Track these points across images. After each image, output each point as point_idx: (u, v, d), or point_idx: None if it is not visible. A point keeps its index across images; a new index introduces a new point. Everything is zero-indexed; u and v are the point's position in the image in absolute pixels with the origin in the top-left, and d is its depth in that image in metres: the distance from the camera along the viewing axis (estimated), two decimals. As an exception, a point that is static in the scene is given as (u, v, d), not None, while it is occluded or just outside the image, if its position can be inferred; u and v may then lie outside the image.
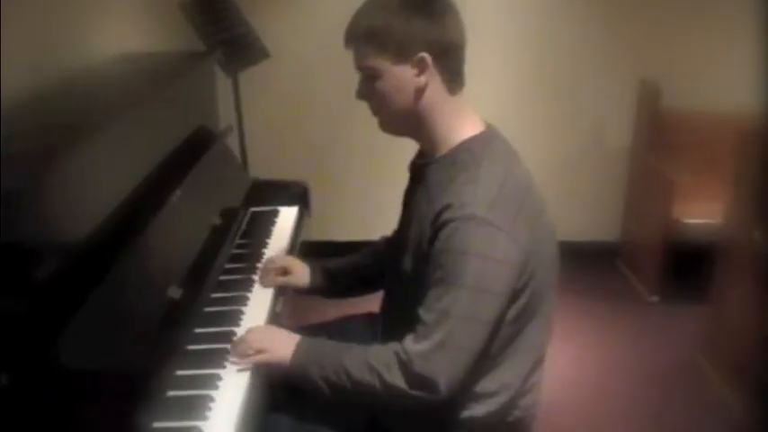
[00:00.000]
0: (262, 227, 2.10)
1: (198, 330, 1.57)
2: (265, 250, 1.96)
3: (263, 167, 3.02)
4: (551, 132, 3.49)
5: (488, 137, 1.40)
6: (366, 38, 1.35)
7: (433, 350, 1.28)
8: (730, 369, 2.61)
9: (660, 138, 3.29)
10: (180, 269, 1.64)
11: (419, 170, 1.47)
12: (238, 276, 1.81)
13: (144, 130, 1.74)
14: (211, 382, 1.41)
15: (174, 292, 1.54)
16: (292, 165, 3.21)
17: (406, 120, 1.40)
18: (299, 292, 1.81)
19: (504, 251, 1.28)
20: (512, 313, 1.34)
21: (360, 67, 1.38)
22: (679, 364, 2.83)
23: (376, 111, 1.42)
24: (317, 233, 3.39)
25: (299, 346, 1.42)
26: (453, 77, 1.38)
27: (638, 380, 2.75)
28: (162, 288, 1.53)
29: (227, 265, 1.87)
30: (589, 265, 3.48)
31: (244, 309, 1.67)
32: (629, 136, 3.49)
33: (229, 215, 2.03)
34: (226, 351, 1.49)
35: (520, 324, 1.38)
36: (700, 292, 2.80)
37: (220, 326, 1.59)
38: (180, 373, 1.43)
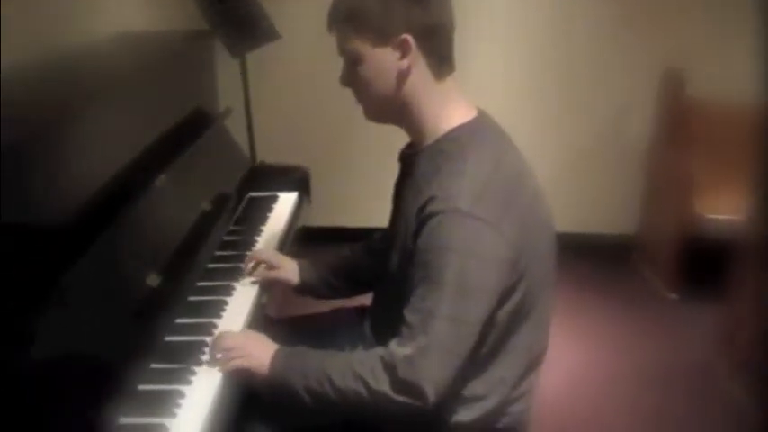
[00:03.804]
0: (257, 213, 2.04)
1: (178, 321, 1.52)
2: (258, 238, 1.90)
3: (271, 151, 2.95)
4: (569, 120, 3.38)
5: (477, 124, 1.31)
6: (346, 20, 1.27)
7: (419, 354, 1.19)
8: (747, 372, 2.50)
9: (683, 129, 3.16)
10: (162, 256, 1.58)
11: (407, 160, 1.39)
12: (227, 265, 1.76)
13: (132, 110, 1.68)
14: (184, 376, 1.34)
15: (153, 280, 1.48)
16: (301, 149, 3.11)
17: (389, 107, 1.32)
18: (288, 289, 1.73)
19: (492, 247, 1.19)
20: (502, 313, 1.26)
21: (341, 52, 1.31)
22: (695, 366, 2.71)
23: (359, 98, 1.34)
24: (326, 219, 3.34)
25: (277, 353, 1.34)
26: (440, 61, 1.29)
27: (651, 381, 2.64)
28: (141, 275, 1.47)
29: (218, 252, 1.81)
30: (604, 258, 3.39)
31: (228, 299, 1.61)
32: (650, 126, 3.36)
33: (223, 200, 1.97)
34: (204, 344, 1.43)
35: (512, 325, 1.30)
36: (720, 290, 2.68)
37: (201, 317, 1.53)
38: (154, 366, 1.37)
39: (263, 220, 2.00)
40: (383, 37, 1.25)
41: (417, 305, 1.21)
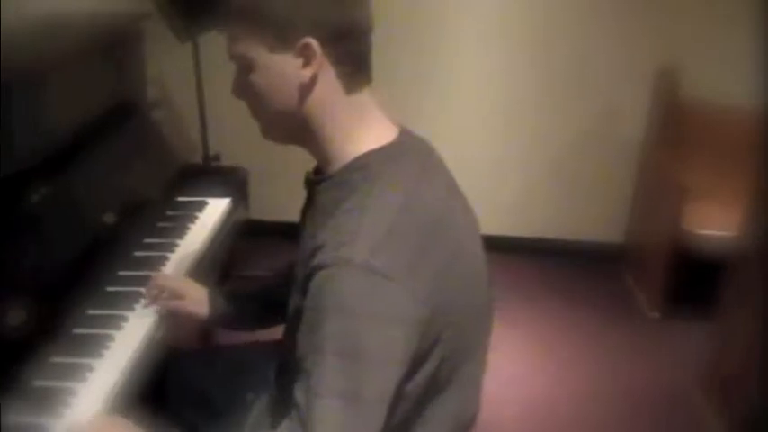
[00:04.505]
0: (177, 222, 1.79)
1: (53, 359, 1.30)
2: (171, 254, 1.66)
3: (228, 147, 2.72)
4: (555, 121, 3.12)
5: (394, 150, 1.07)
6: (236, 17, 1.02)
7: None
8: (728, 406, 2.27)
9: (676, 133, 2.91)
10: (45, 276, 1.37)
11: (311, 189, 1.15)
12: (125, 288, 1.52)
13: (41, 98, 1.50)
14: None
15: (20, 314, 1.26)
16: (262, 146, 2.89)
17: (289, 125, 1.09)
18: (196, 322, 1.48)
19: (393, 307, 0.95)
20: (413, 385, 1.03)
21: (231, 56, 1.06)
22: (672, 393, 2.49)
23: (252, 112, 1.10)
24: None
25: None
26: (352, 71, 1.05)
27: (623, 407, 2.43)
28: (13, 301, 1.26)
29: (120, 272, 1.57)
30: (587, 267, 3.18)
31: (114, 333, 1.37)
32: (641, 129, 3.10)
33: (137, 206, 1.73)
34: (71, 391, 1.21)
35: (428, 395, 1.07)
36: (705, 312, 2.45)
37: (78, 356, 1.31)
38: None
39: (182, 231, 1.75)
40: (282, 40, 1.01)
41: (303, 381, 0.97)
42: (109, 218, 1.61)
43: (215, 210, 1.89)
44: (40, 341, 1.30)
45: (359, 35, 1.03)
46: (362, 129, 1.08)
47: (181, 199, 1.91)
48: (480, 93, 3.09)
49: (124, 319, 1.41)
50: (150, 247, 1.67)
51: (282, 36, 1.00)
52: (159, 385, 1.45)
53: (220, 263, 1.89)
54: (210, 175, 2.06)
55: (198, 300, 1.45)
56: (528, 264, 3.17)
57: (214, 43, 2.61)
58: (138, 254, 1.64)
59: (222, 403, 1.43)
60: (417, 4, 2.91)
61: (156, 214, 1.81)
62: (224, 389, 1.44)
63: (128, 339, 1.36)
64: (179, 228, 1.76)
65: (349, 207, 1.01)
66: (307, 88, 1.03)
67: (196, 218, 1.83)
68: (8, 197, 1.36)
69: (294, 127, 1.08)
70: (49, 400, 1.19)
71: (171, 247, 1.67)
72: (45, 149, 1.50)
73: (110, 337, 1.35)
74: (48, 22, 1.86)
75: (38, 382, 1.23)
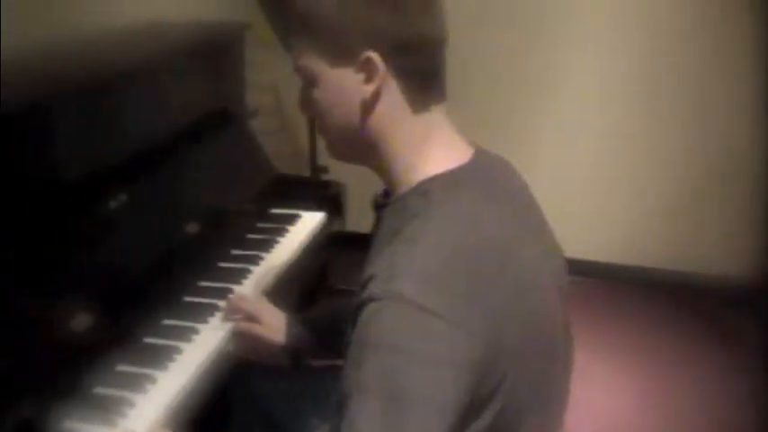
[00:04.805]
0: (266, 236, 1.76)
1: (118, 368, 1.29)
2: (255, 268, 1.62)
3: (335, 161, 2.68)
4: (681, 152, 2.88)
5: (462, 175, 0.97)
6: (295, 28, 0.96)
7: None
8: None
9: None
10: (122, 289, 1.38)
11: (379, 211, 1.07)
12: (203, 300, 1.50)
13: (138, 103, 1.55)
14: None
15: (85, 320, 1.26)
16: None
17: (352, 143, 1.01)
18: (270, 347, 1.38)
19: (443, 347, 0.85)
20: None
21: (295, 68, 1.00)
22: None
23: (318, 128, 1.04)
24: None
25: None
26: (420, 88, 0.96)
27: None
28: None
29: (202, 283, 1.56)
30: (710, 305, 2.90)
31: (183, 346, 1.35)
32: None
33: (226, 218, 1.72)
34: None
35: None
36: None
37: (146, 367, 1.30)
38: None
39: (270, 244, 1.72)
40: (342, 53, 0.93)
41: (346, 419, 0.89)
42: (192, 227, 1.61)
43: (307, 224, 1.85)
44: (110, 348, 1.30)
45: (427, 48, 0.94)
46: (430, 150, 0.99)
47: (274, 211, 1.89)
48: (589, 119, 2.92)
49: (196, 331, 1.39)
50: (236, 258, 1.65)
51: (342, 49, 0.93)
52: (225, 399, 1.42)
53: (309, 278, 1.86)
54: (307, 187, 2.03)
55: (274, 327, 1.39)
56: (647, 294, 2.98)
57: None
58: (222, 265, 1.63)
59: (287, 425, 1.38)
60: (526, 59, 2.82)
61: (248, 225, 1.80)
62: (290, 410, 1.39)
63: (196, 353, 1.34)
64: (267, 240, 1.73)
65: (405, 237, 0.92)
66: (369, 105, 0.95)
67: (286, 231, 1.79)
68: (88, 201, 1.39)
69: (358, 146, 1.01)
70: (106, 409, 1.18)
71: (255, 260, 1.64)
72: (130, 153, 1.52)
73: (178, 350, 1.33)
74: (148, 28, 1.91)
75: (98, 390, 1.23)
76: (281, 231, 1.79)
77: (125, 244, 1.45)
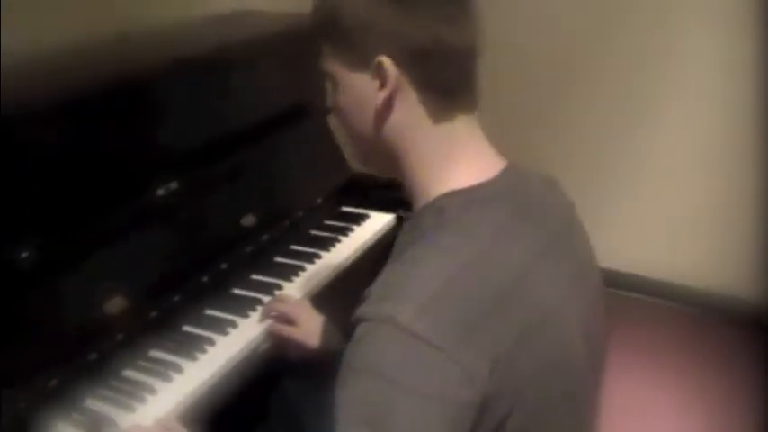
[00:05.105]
0: (330, 234, 1.74)
1: (151, 353, 1.31)
2: (309, 266, 1.59)
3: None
4: None
5: (485, 192, 0.89)
6: (317, 30, 0.93)
7: None
8: None
9: None
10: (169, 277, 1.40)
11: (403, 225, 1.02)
12: (249, 293, 1.49)
13: (217, 92, 1.59)
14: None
15: (119, 304, 1.28)
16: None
17: (374, 152, 0.96)
18: (305, 351, 1.36)
19: (433, 381, 0.77)
20: None
21: (322, 71, 0.96)
22: None
23: (345, 134, 1.00)
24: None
25: None
26: (441, 98, 0.89)
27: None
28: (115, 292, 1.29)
29: (254, 276, 1.56)
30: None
31: (217, 338, 1.35)
32: None
33: (293, 213, 1.71)
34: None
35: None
36: None
37: (176, 355, 1.30)
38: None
39: (330, 243, 1.70)
40: (358, 57, 0.89)
41: None
42: (257, 219, 1.61)
43: (374, 224, 1.80)
44: (149, 332, 1.32)
45: (449, 57, 0.87)
46: (453, 164, 0.91)
47: (344, 209, 1.86)
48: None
49: (233, 324, 1.38)
50: (293, 254, 1.64)
51: (357, 53, 0.88)
52: (257, 401, 1.40)
53: (365, 280, 1.81)
54: (382, 188, 1.98)
55: (310, 331, 1.36)
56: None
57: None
58: (278, 259, 1.62)
59: (314, 432, 1.34)
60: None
61: (314, 222, 1.78)
62: (320, 421, 1.36)
63: (228, 347, 1.33)
64: (329, 239, 1.71)
65: (408, 256, 0.86)
66: (383, 113, 0.89)
67: (351, 230, 1.76)
68: (152, 184, 1.41)
69: (379, 155, 0.95)
70: (128, 392, 1.20)
71: (311, 258, 1.62)
72: (207, 141, 1.55)
73: (211, 341, 1.33)
74: (232, 17, 1.93)
75: (126, 372, 1.25)
76: (345, 231, 1.75)
77: (185, 230, 1.47)
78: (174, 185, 1.42)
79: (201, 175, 1.51)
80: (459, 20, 0.87)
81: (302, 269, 1.58)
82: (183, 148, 1.50)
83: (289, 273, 1.56)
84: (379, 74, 0.87)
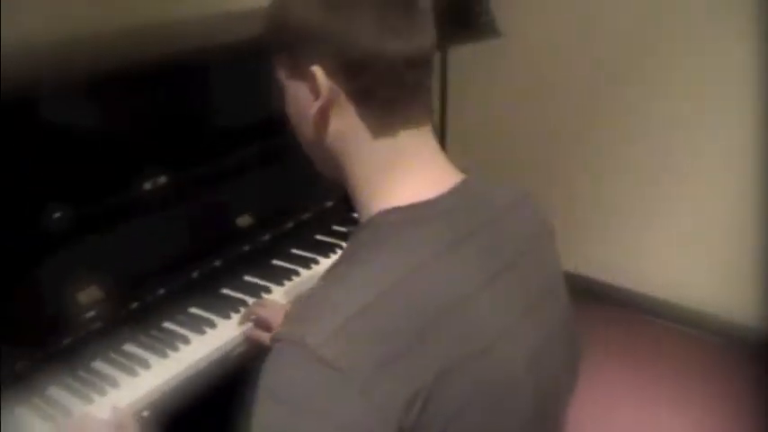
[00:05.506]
0: (333, 239, 1.70)
1: (125, 347, 1.32)
2: (304, 271, 1.57)
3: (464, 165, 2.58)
4: None
5: (427, 211, 0.84)
6: (268, 35, 0.89)
7: None
8: None
9: None
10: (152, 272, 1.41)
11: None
12: (237, 294, 1.48)
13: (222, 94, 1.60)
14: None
15: (92, 294, 1.30)
16: (503, 167, 2.69)
17: (323, 162, 0.94)
18: None
19: (337, 411, 0.73)
20: None
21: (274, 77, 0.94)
22: None
23: None
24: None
25: None
26: (380, 111, 0.85)
27: None
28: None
29: (246, 277, 1.54)
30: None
31: (192, 337, 1.34)
32: None
33: (301, 216, 1.69)
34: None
35: None
36: None
37: (151, 351, 1.31)
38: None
39: (331, 249, 1.66)
40: (296, 66, 0.85)
41: None
42: (260, 219, 1.60)
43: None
44: (126, 325, 1.33)
45: (389, 69, 0.82)
46: (394, 179, 0.87)
47: (354, 215, 1.83)
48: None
49: (212, 324, 1.37)
50: (291, 258, 1.61)
51: (294, 61, 0.85)
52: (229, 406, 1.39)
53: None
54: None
55: None
56: None
57: (463, 58, 2.52)
58: (275, 262, 1.60)
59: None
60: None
61: (322, 226, 1.76)
62: None
63: (201, 347, 1.32)
64: (332, 245, 1.68)
65: (335, 273, 0.83)
66: (319, 124, 0.86)
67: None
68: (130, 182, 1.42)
69: (328, 164, 0.92)
70: (91, 383, 1.20)
71: (308, 263, 1.60)
72: (218, 137, 1.57)
73: (186, 339, 1.33)
74: (249, 13, 1.92)
75: (96, 363, 1.26)
76: (347, 234, 1.72)
77: (179, 226, 1.48)
78: (162, 180, 1.43)
79: (201, 170, 1.51)
80: (404, 31, 0.82)
81: (296, 274, 1.56)
82: (186, 144, 1.51)
83: (281, 276, 1.54)
84: (313, 84, 0.83)
